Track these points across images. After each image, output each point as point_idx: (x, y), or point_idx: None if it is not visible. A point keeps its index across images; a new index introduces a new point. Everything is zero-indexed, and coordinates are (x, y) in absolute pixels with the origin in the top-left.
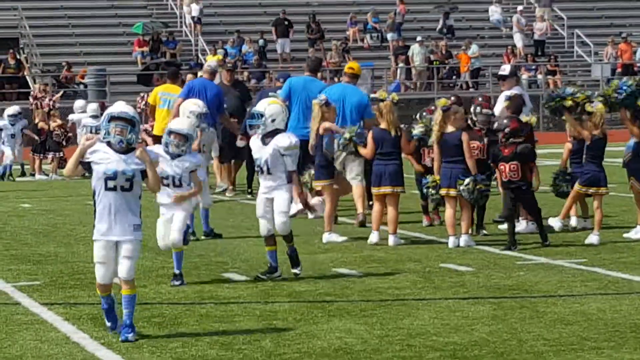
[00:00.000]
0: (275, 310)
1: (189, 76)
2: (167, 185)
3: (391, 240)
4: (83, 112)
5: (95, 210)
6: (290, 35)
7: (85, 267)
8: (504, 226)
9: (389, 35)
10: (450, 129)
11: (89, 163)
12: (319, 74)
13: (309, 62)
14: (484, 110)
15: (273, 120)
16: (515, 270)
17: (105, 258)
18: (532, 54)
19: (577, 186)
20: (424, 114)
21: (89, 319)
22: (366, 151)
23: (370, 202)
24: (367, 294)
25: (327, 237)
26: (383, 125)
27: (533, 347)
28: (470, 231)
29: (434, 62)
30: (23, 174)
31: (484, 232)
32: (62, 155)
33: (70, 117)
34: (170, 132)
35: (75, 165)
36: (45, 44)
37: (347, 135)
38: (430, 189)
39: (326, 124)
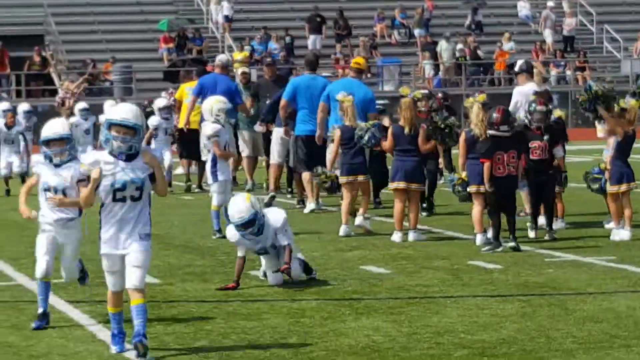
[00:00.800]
0: (302, 308)
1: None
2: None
3: (411, 236)
4: None
5: (100, 222)
6: (323, 32)
7: None
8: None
9: (417, 32)
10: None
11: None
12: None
13: (307, 61)
14: (539, 108)
15: (264, 215)
16: (544, 268)
17: (115, 267)
18: (561, 50)
19: (609, 188)
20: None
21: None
22: (385, 145)
23: (377, 199)
24: (395, 292)
25: (343, 229)
26: (401, 122)
27: (562, 345)
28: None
29: (460, 58)
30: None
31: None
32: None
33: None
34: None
35: (92, 195)
36: (70, 41)
37: (364, 127)
38: (457, 187)
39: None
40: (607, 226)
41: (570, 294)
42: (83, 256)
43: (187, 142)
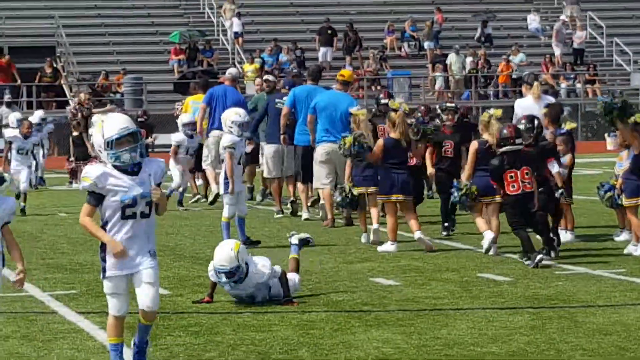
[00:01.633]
0: (312, 319)
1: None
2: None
3: (418, 234)
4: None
5: (101, 243)
6: (334, 44)
7: None
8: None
9: (427, 44)
10: (489, 137)
11: (101, 196)
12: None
13: (310, 72)
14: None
15: (246, 263)
16: (553, 280)
17: (120, 289)
18: (570, 63)
19: (626, 201)
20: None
21: (125, 328)
22: (372, 157)
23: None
24: (405, 304)
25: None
26: (394, 135)
27: (571, 358)
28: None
29: (471, 71)
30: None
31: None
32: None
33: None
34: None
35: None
36: (81, 52)
37: (349, 140)
38: (463, 196)
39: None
40: (617, 239)
41: (579, 307)
42: (81, 266)
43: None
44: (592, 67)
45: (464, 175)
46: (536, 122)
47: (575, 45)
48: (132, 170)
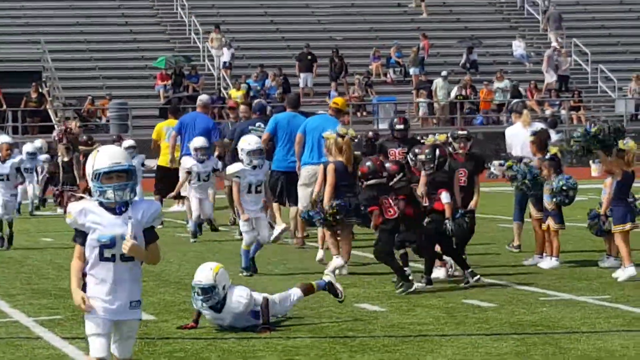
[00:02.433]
0: (297, 345)
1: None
2: None
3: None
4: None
5: (84, 282)
6: (314, 70)
7: None
8: (527, 262)
9: (412, 70)
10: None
11: (85, 233)
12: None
13: (289, 100)
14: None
15: (224, 287)
16: (538, 306)
17: (102, 330)
18: (555, 90)
19: (614, 228)
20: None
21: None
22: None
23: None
24: (390, 330)
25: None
26: (341, 159)
27: None
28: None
29: (457, 97)
30: (38, 208)
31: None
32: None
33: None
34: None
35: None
36: (67, 78)
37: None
38: (322, 219)
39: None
40: (602, 265)
41: (564, 333)
42: (66, 291)
43: (168, 180)
44: (577, 94)
45: (325, 199)
46: (437, 152)
47: (560, 72)
48: (119, 210)
